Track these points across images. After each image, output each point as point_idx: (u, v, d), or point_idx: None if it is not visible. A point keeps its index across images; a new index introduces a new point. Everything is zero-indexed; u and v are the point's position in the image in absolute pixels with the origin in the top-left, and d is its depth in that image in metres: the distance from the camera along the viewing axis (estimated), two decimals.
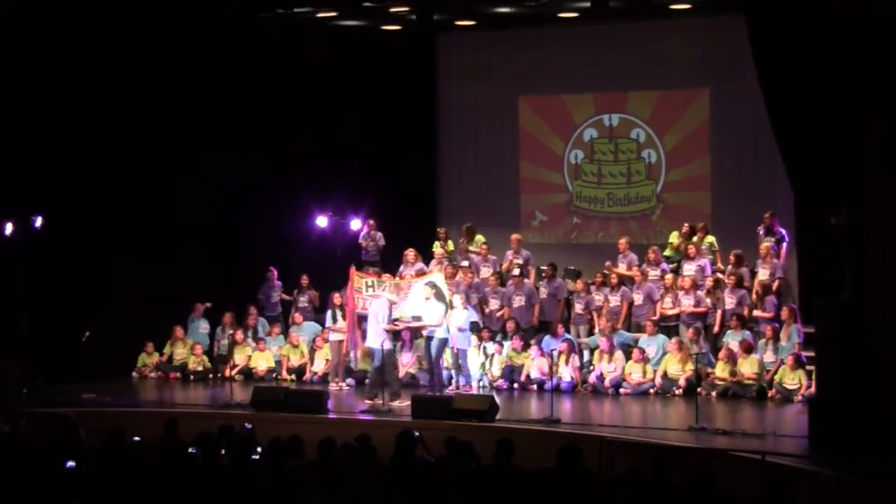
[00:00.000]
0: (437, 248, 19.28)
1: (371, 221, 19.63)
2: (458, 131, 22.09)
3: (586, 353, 17.32)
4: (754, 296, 16.87)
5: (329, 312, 17.38)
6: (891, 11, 11.25)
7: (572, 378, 16.75)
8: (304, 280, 19.07)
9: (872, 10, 11.33)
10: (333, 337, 17.23)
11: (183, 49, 18.45)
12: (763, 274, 17.05)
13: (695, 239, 18.14)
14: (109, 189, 18.10)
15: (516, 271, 18.08)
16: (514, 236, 19.17)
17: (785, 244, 17.57)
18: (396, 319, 16.25)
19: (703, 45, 20.03)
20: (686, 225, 18.68)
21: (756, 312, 16.75)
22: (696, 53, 20.13)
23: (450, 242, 19.80)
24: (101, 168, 18.02)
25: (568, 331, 17.56)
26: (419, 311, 16.12)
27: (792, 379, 15.73)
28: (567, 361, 16.76)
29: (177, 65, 18.53)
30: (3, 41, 17.09)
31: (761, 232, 17.68)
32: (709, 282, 17.26)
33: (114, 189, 18.16)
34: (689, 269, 17.60)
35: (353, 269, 17.02)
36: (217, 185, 19.24)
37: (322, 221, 19.76)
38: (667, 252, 18.51)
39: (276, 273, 19.21)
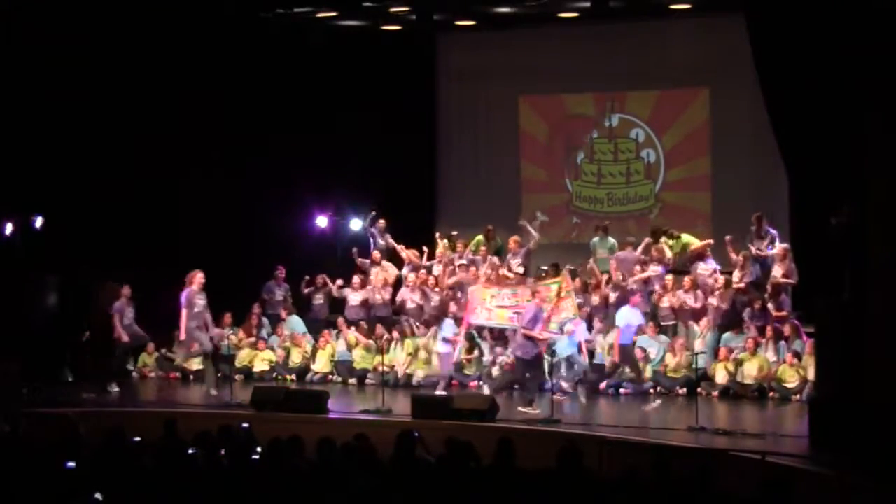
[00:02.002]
0: (440, 248, 19.25)
1: (381, 221, 19.58)
2: (458, 131, 22.10)
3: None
4: (766, 295, 16.83)
5: (451, 321, 17.11)
6: (891, 11, 11.25)
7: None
8: (320, 280, 19.01)
9: (872, 10, 11.33)
10: (443, 349, 16.82)
11: (183, 49, 18.47)
12: (777, 272, 16.99)
13: (671, 242, 18.20)
14: (109, 189, 18.11)
15: (520, 270, 18.04)
16: (513, 238, 19.06)
17: (777, 243, 17.52)
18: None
19: (703, 45, 20.05)
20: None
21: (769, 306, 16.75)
22: (696, 53, 20.15)
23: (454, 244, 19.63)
24: (101, 168, 18.03)
25: None
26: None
27: (791, 377, 15.74)
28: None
29: (177, 65, 18.54)
30: (3, 41, 17.09)
31: (753, 229, 17.65)
32: (720, 282, 17.21)
33: (114, 189, 18.17)
34: (703, 268, 17.57)
35: (481, 282, 16.92)
36: (217, 185, 19.25)
37: (322, 221, 19.79)
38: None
39: (283, 272, 19.16)
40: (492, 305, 16.54)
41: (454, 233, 19.62)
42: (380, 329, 18.13)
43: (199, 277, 16.72)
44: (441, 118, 22.25)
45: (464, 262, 18.56)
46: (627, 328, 15.87)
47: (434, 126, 22.21)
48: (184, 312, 16.56)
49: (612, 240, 18.60)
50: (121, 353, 17.47)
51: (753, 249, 17.15)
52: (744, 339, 16.38)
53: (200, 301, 16.66)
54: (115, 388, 16.96)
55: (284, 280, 19.19)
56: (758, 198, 19.15)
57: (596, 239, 18.65)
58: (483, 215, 20.45)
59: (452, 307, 17.34)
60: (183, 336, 16.83)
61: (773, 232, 17.51)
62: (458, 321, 16.91)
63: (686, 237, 18.40)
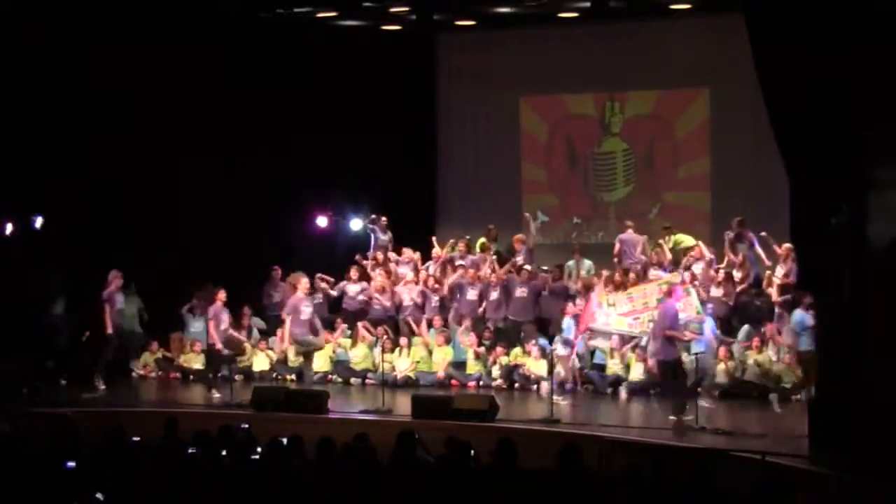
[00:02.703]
0: (439, 250, 19.26)
1: (384, 218, 19.59)
2: (458, 131, 22.11)
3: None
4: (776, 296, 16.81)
5: (571, 322, 16.87)
6: (891, 11, 11.25)
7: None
8: (318, 281, 18.99)
9: (872, 10, 11.33)
10: (563, 350, 16.56)
11: (183, 49, 18.46)
12: (779, 273, 17.00)
13: (667, 239, 18.21)
14: (109, 189, 18.12)
15: (528, 267, 18.05)
16: (517, 237, 19.07)
17: (756, 248, 17.54)
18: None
19: (703, 45, 20.06)
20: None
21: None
22: (696, 53, 20.16)
23: (455, 247, 19.59)
24: (101, 168, 18.04)
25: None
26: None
27: (791, 377, 15.74)
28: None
29: (177, 65, 18.53)
30: (3, 41, 17.09)
31: (731, 236, 17.66)
32: (720, 275, 17.19)
33: (114, 189, 18.18)
34: (697, 268, 17.57)
35: (599, 284, 16.63)
36: (217, 186, 19.24)
37: (322, 221, 19.80)
38: None
39: (279, 272, 19.14)
40: (611, 311, 16.17)
41: (467, 237, 19.56)
42: (380, 330, 18.13)
43: (303, 283, 16.51)
44: (441, 118, 22.26)
45: (462, 262, 18.56)
46: (804, 332, 15.54)
47: (434, 126, 22.21)
48: (288, 319, 16.39)
49: (588, 262, 18.60)
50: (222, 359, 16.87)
51: (730, 256, 17.29)
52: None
53: (307, 308, 16.46)
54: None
55: (281, 280, 19.16)
56: (758, 198, 19.17)
57: (570, 262, 18.61)
58: (483, 215, 20.48)
59: (571, 308, 16.79)
60: (287, 344, 16.69)
61: (751, 236, 17.52)
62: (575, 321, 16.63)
63: (680, 235, 18.41)
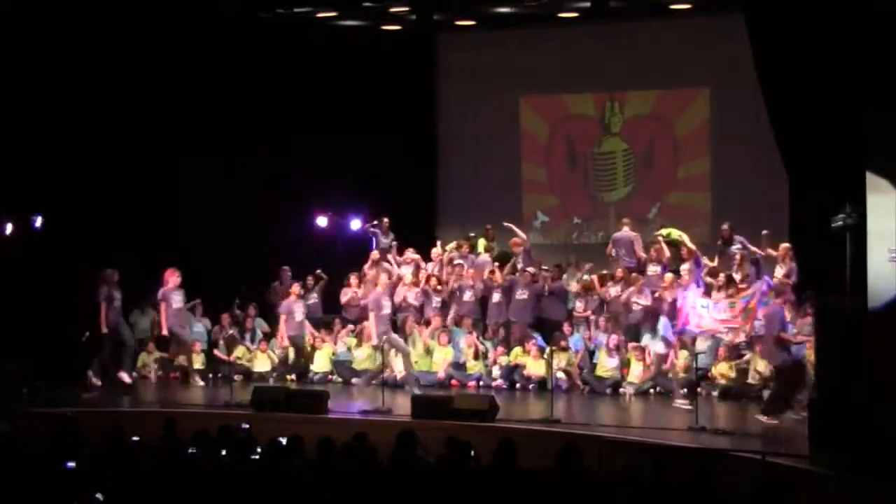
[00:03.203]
0: (437, 250, 19.26)
1: (385, 219, 19.60)
2: (458, 131, 22.12)
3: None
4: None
5: (668, 322, 16.52)
6: (891, 11, 11.24)
7: (566, 377, 16.75)
8: (311, 280, 19.01)
9: (872, 10, 11.33)
10: (661, 349, 16.36)
11: (183, 49, 18.47)
12: (779, 273, 17.01)
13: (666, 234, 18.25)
14: (109, 189, 18.12)
15: (531, 269, 18.06)
16: (514, 240, 19.08)
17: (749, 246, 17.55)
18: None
19: (703, 45, 20.07)
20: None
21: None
22: (696, 53, 20.17)
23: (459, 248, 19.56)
24: (101, 168, 18.04)
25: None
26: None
27: None
28: (562, 360, 16.76)
29: (177, 65, 18.55)
30: (3, 41, 17.09)
31: (719, 244, 17.67)
32: (720, 279, 17.17)
33: (114, 189, 18.18)
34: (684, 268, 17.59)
35: (693, 286, 16.30)
36: (217, 186, 19.25)
37: (322, 221, 19.81)
38: None
39: (289, 272, 19.09)
40: (703, 313, 15.87)
41: (472, 234, 19.58)
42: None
43: (383, 279, 16.44)
44: (441, 118, 22.26)
45: (461, 262, 18.56)
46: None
47: (434, 126, 22.22)
48: (372, 316, 16.33)
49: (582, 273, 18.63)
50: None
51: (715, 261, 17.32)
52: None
53: (387, 302, 16.47)
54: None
55: (290, 279, 19.14)
56: (758, 198, 19.17)
57: (565, 275, 18.63)
58: (483, 215, 20.49)
59: (665, 309, 16.52)
60: (375, 341, 16.66)
61: (740, 238, 17.52)
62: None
63: (676, 232, 18.39)
